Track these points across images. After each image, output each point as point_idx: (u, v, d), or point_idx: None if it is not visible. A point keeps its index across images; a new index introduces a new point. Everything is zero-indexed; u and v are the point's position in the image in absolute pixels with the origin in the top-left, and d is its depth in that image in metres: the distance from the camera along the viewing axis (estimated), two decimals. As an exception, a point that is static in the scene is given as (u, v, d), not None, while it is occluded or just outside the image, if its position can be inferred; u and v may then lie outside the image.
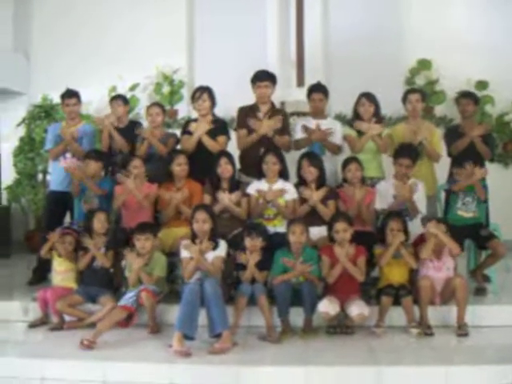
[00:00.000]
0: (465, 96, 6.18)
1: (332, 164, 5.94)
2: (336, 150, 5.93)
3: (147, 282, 4.93)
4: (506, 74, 7.81)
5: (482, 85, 7.96)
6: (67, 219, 6.21)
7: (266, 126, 5.68)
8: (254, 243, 4.94)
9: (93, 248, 5.14)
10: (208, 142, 5.79)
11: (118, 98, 6.33)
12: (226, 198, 5.34)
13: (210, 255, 4.89)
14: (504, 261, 5.59)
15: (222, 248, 4.96)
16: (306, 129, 5.84)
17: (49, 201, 6.37)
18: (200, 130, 5.77)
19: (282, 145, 5.81)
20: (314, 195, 5.32)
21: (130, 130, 6.11)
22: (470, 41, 7.93)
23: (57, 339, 4.76)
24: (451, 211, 5.60)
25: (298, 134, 5.94)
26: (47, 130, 6.51)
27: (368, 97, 5.87)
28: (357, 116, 5.93)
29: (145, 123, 6.33)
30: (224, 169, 5.46)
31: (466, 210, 5.53)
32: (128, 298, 4.84)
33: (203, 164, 5.62)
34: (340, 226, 4.90)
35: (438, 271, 4.93)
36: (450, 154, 5.99)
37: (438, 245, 4.92)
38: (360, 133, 5.84)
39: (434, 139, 5.87)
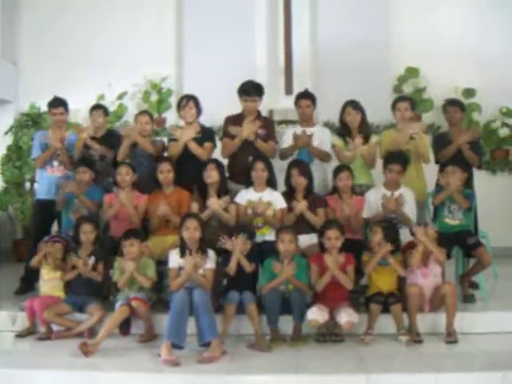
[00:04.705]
0: (452, 104, 6.21)
1: (321, 172, 5.95)
2: (324, 156, 5.93)
3: (145, 284, 4.92)
4: (493, 82, 7.86)
5: (469, 93, 8.01)
6: (54, 228, 6.18)
7: (246, 130, 5.69)
8: (245, 247, 4.95)
9: (81, 267, 5.08)
10: (194, 149, 5.78)
11: (99, 109, 6.32)
12: (215, 203, 5.33)
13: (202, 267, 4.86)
14: (492, 267, 5.61)
15: (212, 259, 4.93)
16: (294, 136, 5.84)
17: (36, 209, 6.32)
18: (186, 136, 5.76)
19: (266, 150, 5.80)
20: (299, 205, 5.31)
21: (107, 139, 6.13)
22: (457, 49, 7.99)
23: (44, 349, 4.72)
24: (439, 219, 5.62)
25: (286, 143, 5.93)
26: (33, 138, 6.47)
27: (354, 105, 5.89)
28: (343, 125, 5.94)
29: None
30: (209, 175, 5.46)
31: (452, 218, 5.55)
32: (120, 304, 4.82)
33: (192, 172, 5.61)
34: (333, 233, 4.90)
35: (426, 278, 4.93)
36: (437, 161, 6.01)
37: (425, 252, 4.94)
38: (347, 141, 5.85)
39: (424, 142, 5.89)
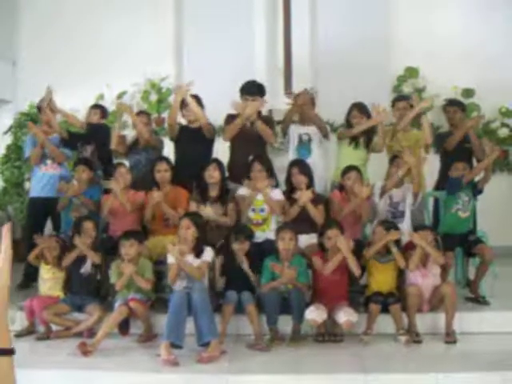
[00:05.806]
0: (452, 104, 6.23)
1: (324, 170, 5.97)
2: (323, 128, 5.98)
3: (145, 286, 4.91)
4: (492, 82, 7.85)
5: (468, 92, 8.02)
6: (49, 226, 6.19)
7: (250, 107, 5.68)
8: (243, 246, 4.97)
9: (81, 245, 5.09)
10: (192, 105, 5.78)
11: (97, 108, 6.38)
12: (208, 212, 5.33)
13: (197, 261, 4.86)
14: (491, 267, 5.61)
15: (208, 254, 4.93)
16: (291, 96, 6.02)
17: (30, 208, 6.35)
18: (181, 93, 5.75)
19: (266, 133, 5.79)
20: (304, 195, 5.30)
21: (93, 133, 6.23)
22: (456, 49, 7.99)
23: (44, 348, 4.73)
24: (449, 213, 5.61)
25: (291, 142, 6.00)
26: (27, 139, 6.49)
27: (359, 109, 5.89)
28: (349, 126, 5.95)
29: (130, 133, 6.36)
30: (211, 175, 5.46)
31: (464, 210, 5.55)
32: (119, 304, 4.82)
33: (191, 172, 5.61)
34: (332, 232, 4.91)
35: (425, 278, 4.94)
36: (442, 154, 6.03)
37: (424, 253, 4.94)
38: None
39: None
